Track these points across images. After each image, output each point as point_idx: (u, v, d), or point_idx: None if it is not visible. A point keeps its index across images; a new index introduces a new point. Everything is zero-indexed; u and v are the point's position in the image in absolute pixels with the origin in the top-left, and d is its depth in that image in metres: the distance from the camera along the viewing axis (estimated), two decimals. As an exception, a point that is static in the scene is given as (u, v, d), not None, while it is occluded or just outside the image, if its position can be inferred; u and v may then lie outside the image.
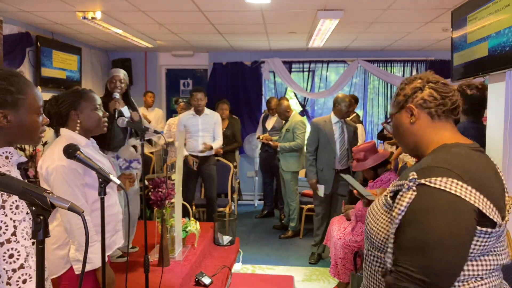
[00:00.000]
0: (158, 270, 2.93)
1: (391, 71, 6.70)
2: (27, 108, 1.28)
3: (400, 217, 1.11)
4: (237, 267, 4.14)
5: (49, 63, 5.06)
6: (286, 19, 4.50)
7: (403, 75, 6.69)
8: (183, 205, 3.67)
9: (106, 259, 1.86)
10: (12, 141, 1.30)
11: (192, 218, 3.72)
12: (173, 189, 3.15)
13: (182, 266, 3.21)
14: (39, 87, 4.69)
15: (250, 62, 6.78)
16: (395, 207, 1.13)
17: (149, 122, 5.93)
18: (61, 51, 5.30)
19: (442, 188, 1.07)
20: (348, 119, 5.59)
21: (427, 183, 1.09)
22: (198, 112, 4.64)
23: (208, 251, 3.91)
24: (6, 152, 1.27)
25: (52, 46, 5.12)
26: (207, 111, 4.69)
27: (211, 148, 4.63)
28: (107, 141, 3.26)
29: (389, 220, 1.19)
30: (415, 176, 1.12)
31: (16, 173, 1.30)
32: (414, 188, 1.11)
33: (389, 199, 1.21)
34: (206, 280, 3.18)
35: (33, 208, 0.96)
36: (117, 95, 3.37)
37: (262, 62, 6.75)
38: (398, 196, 1.14)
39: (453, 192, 1.07)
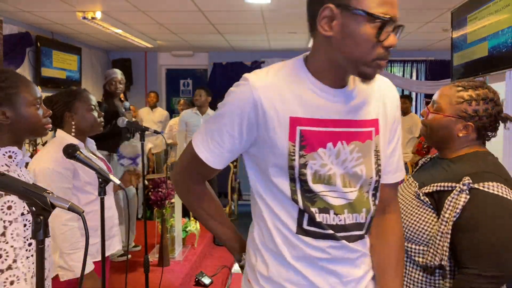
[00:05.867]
0: (158, 270, 2.93)
1: (391, 71, 6.70)
2: (22, 101, 1.28)
3: (454, 219, 1.17)
4: (237, 267, 4.14)
5: (49, 63, 5.06)
6: (286, 19, 4.50)
7: (403, 75, 6.69)
8: (183, 205, 3.67)
9: (93, 266, 1.78)
10: (18, 137, 1.30)
11: (192, 218, 3.72)
12: (173, 189, 3.15)
13: (182, 266, 3.21)
14: (38, 87, 4.69)
15: (250, 62, 6.77)
16: (448, 209, 1.20)
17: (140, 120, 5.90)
18: (61, 51, 5.30)
19: (496, 192, 1.16)
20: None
21: (480, 187, 1.17)
22: (200, 110, 4.64)
23: (208, 251, 3.91)
24: (10, 151, 1.26)
25: (52, 46, 5.12)
26: (210, 111, 4.69)
27: None
28: (115, 144, 3.31)
29: (428, 216, 1.26)
30: (470, 181, 1.18)
31: (24, 173, 1.29)
32: (467, 191, 1.17)
33: (422, 196, 1.27)
34: (206, 280, 3.18)
35: (33, 208, 0.96)
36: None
37: (262, 62, 6.74)
38: (450, 198, 1.21)
39: (505, 196, 1.16)
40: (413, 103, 6.42)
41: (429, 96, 6.42)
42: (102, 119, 2.00)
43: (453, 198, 1.19)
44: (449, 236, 1.18)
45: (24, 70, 4.66)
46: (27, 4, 3.95)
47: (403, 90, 6.75)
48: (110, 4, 3.97)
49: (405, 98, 5.75)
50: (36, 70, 4.87)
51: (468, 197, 1.17)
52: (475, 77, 3.09)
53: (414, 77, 6.77)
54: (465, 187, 1.18)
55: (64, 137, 1.87)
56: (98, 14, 4.15)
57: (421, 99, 6.85)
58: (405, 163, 5.02)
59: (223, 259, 3.80)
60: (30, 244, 1.23)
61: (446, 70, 5.39)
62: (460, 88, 1.32)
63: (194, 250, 3.57)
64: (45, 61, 4.98)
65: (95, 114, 1.95)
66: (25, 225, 1.22)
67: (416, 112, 6.25)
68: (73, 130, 1.89)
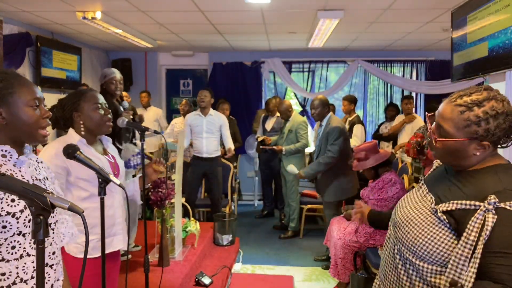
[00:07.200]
0: (158, 270, 2.93)
1: (391, 71, 6.70)
2: (17, 101, 1.28)
3: (484, 241, 1.09)
4: (237, 267, 4.14)
5: (49, 63, 5.06)
6: (286, 19, 4.50)
7: (403, 75, 6.69)
8: (183, 205, 3.67)
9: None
10: (15, 137, 1.29)
11: (192, 218, 3.72)
12: (173, 189, 3.14)
13: (182, 266, 3.21)
14: (38, 87, 4.69)
15: (250, 62, 6.78)
16: (472, 231, 1.11)
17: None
18: (61, 51, 5.30)
19: None
20: (349, 119, 5.62)
21: (507, 207, 1.10)
22: (203, 111, 4.64)
23: (208, 251, 3.91)
24: (2, 150, 1.26)
25: (52, 46, 5.12)
26: (212, 112, 4.69)
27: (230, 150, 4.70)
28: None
29: (445, 236, 1.18)
30: (496, 200, 1.11)
31: (24, 173, 1.28)
32: (494, 211, 1.10)
33: (440, 213, 1.19)
34: (206, 280, 3.18)
35: (33, 208, 0.96)
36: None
37: (262, 62, 6.75)
38: (474, 219, 1.12)
39: None
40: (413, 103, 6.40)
41: (428, 98, 6.42)
42: (110, 116, 2.00)
43: (477, 218, 1.11)
44: (477, 260, 1.10)
45: (24, 70, 4.67)
46: (27, 4, 3.96)
47: (403, 90, 6.76)
48: (110, 4, 3.97)
49: (410, 99, 5.75)
50: (36, 70, 4.87)
51: (495, 217, 1.09)
52: (475, 77, 3.08)
53: (414, 77, 6.77)
54: (491, 207, 1.10)
55: (71, 135, 1.91)
56: (98, 14, 4.15)
57: (421, 99, 6.85)
58: (405, 163, 5.02)
59: (223, 259, 3.80)
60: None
61: (446, 70, 5.39)
62: (463, 108, 1.19)
63: (194, 250, 3.57)
64: (45, 61, 4.99)
65: (101, 112, 1.96)
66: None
67: (416, 112, 6.24)
68: (82, 129, 1.93)
